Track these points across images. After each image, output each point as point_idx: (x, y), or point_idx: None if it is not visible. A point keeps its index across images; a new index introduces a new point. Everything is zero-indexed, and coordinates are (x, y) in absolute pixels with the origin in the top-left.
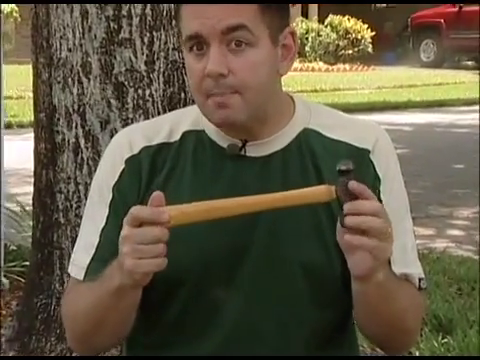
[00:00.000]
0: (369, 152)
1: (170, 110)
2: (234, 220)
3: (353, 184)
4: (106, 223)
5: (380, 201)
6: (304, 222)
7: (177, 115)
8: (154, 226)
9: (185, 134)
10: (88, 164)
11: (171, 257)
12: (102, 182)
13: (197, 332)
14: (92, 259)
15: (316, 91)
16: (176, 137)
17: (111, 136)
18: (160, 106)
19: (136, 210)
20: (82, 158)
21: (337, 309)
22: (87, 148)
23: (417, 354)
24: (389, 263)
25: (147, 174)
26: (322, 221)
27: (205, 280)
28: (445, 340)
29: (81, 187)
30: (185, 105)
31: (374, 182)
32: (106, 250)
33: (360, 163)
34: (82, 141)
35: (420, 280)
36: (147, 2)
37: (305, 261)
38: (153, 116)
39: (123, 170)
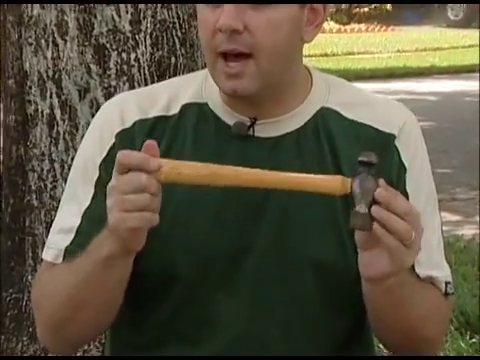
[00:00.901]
0: (394, 137)
1: (158, 77)
2: (237, 211)
3: (381, 192)
4: (90, 204)
5: (405, 194)
6: (317, 214)
7: (175, 84)
8: (140, 173)
9: (185, 107)
10: (64, 139)
11: (165, 250)
12: (87, 158)
13: (191, 335)
14: (71, 243)
15: (326, 55)
16: (175, 110)
17: (91, 107)
18: (147, 72)
19: (123, 154)
20: (58, 132)
21: (352, 315)
22: (63, 120)
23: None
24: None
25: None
26: (338, 213)
27: (202, 278)
28: (473, 340)
29: (57, 165)
30: (175, 71)
31: (398, 171)
32: (88, 234)
33: (383, 149)
34: (58, 112)
35: (447, 284)
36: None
37: (317, 258)
38: (139, 84)
39: (113, 145)
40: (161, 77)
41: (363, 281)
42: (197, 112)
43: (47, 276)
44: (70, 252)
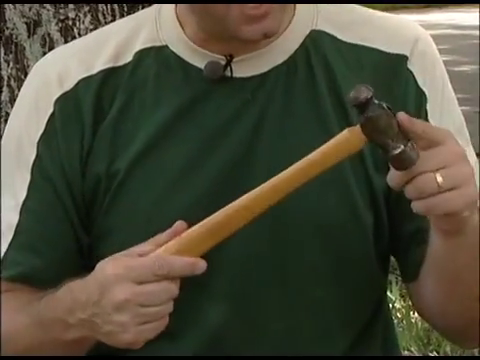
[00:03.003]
0: (406, 59)
1: (129, 9)
2: (220, 175)
3: (404, 118)
4: (28, 194)
5: None
6: None
7: (121, 28)
8: (167, 281)
9: (140, 53)
10: (10, 86)
11: (141, 233)
12: (21, 135)
13: (168, 328)
14: (10, 246)
15: None
16: (127, 58)
17: (43, 45)
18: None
19: (165, 262)
20: (0, 77)
21: (370, 295)
22: (8, 63)
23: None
24: None
25: (91, 117)
26: (344, 165)
27: None
28: None
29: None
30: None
31: (417, 100)
32: (31, 233)
33: (394, 75)
34: (1, 52)
35: None
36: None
37: (319, 221)
38: (104, 16)
39: (52, 115)
40: (132, 8)
41: (433, 238)
42: (156, 58)
43: None
44: (11, 260)
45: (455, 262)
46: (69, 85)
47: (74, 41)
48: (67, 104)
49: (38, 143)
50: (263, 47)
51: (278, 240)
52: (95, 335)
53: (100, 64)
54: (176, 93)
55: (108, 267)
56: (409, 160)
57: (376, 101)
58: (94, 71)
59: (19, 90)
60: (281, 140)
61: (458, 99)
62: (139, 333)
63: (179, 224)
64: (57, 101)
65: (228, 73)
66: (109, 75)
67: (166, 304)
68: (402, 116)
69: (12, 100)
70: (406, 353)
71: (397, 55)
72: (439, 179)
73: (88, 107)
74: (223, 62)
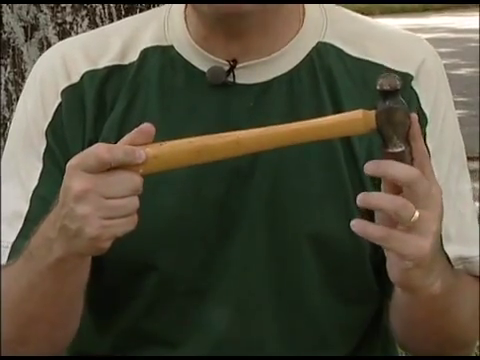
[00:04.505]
0: (411, 78)
1: (126, 11)
2: (219, 183)
3: (417, 128)
4: (39, 183)
5: (426, 149)
6: (316, 177)
7: (129, 25)
8: (129, 172)
9: (145, 52)
10: (7, 90)
11: (132, 237)
12: (29, 124)
13: (168, 337)
14: (19, 235)
15: None
16: (132, 57)
17: (40, 48)
18: (112, 5)
19: (102, 147)
20: None
21: (365, 303)
22: (5, 67)
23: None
24: (448, 259)
25: (93, 111)
26: (343, 175)
27: (178, 267)
28: None
29: None
30: (149, 6)
31: (419, 121)
32: (40, 221)
33: None
34: None
35: None
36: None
37: (317, 234)
38: (102, 21)
39: (59, 106)
40: (130, 12)
41: (396, 288)
42: (161, 58)
43: None
44: (18, 248)
45: (411, 313)
46: (75, 77)
47: (80, 35)
48: (73, 96)
49: (46, 132)
50: (268, 55)
51: (276, 250)
52: (71, 245)
53: (106, 60)
54: (178, 95)
55: (67, 164)
56: (404, 162)
57: (400, 96)
58: (99, 66)
59: (17, 94)
60: (282, 149)
61: (456, 102)
62: (103, 227)
63: (147, 125)
64: (64, 92)
65: (231, 79)
66: (114, 72)
67: (130, 197)
68: (414, 118)
69: (10, 104)
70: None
71: (403, 73)
72: (416, 214)
73: (90, 102)
74: (226, 68)
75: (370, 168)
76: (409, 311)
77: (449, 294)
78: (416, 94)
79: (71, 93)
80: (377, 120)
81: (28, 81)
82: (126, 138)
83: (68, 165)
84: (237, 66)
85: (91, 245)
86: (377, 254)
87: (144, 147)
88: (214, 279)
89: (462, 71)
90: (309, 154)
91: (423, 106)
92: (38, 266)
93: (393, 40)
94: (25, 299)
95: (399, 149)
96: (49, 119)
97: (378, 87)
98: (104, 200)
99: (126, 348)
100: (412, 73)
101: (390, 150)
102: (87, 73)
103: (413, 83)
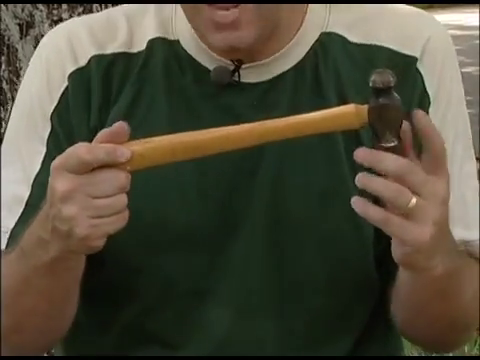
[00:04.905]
0: (416, 60)
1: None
2: (222, 181)
3: (420, 120)
4: (42, 168)
5: None
6: (318, 173)
7: (134, 10)
8: (115, 170)
9: (152, 43)
10: (2, 88)
11: (131, 235)
12: (34, 107)
13: (169, 338)
14: (19, 220)
15: None
16: (140, 46)
17: (36, 46)
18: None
19: (83, 148)
20: None
21: (370, 302)
22: (0, 65)
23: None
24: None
25: (98, 97)
26: (344, 169)
27: (180, 266)
28: None
29: None
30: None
31: (420, 102)
32: (41, 207)
33: (402, 75)
34: None
35: None
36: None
37: (322, 233)
38: None
39: (66, 89)
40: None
41: (400, 270)
42: (167, 51)
43: None
44: (16, 235)
45: (414, 296)
46: (83, 61)
47: (86, 16)
48: (80, 81)
49: (52, 116)
50: (273, 54)
51: (278, 250)
52: (65, 245)
53: (114, 46)
54: (184, 91)
55: (51, 165)
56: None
57: (394, 92)
58: (107, 51)
59: (12, 94)
60: (286, 147)
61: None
62: (93, 226)
63: (119, 126)
64: (71, 75)
65: (236, 78)
66: (121, 59)
67: (118, 195)
68: (419, 114)
69: (4, 103)
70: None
71: (407, 56)
72: (413, 201)
73: (96, 88)
74: (231, 67)
75: (360, 155)
76: (412, 294)
77: (453, 275)
78: (421, 75)
79: (79, 77)
80: (369, 116)
81: (33, 61)
82: (99, 137)
83: (52, 165)
84: (242, 66)
85: (83, 244)
86: (380, 244)
87: (130, 144)
88: (215, 279)
89: (468, 69)
90: (312, 150)
91: (427, 87)
92: (33, 263)
93: (398, 20)
94: (21, 293)
95: (391, 143)
96: (55, 103)
97: (371, 84)
98: (90, 199)
99: (127, 348)
100: (417, 55)
101: (383, 144)
102: (94, 57)
103: (418, 64)
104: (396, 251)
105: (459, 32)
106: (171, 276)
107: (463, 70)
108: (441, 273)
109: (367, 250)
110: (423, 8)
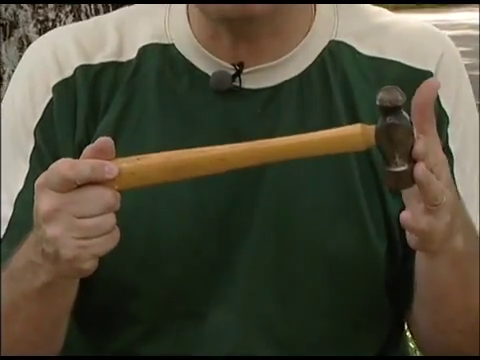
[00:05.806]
0: (430, 75)
1: (116, 8)
2: (222, 199)
3: (419, 147)
4: (25, 185)
5: (448, 153)
6: (326, 190)
7: (126, 17)
8: (101, 187)
9: (144, 50)
10: None
11: (125, 257)
12: (16, 122)
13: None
14: (3, 241)
15: None
16: (130, 54)
17: (20, 48)
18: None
19: (65, 164)
20: None
21: (380, 328)
22: None
23: None
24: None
25: (85, 110)
26: (355, 187)
27: (179, 291)
28: None
29: None
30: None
31: (438, 121)
32: (25, 225)
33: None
34: None
35: None
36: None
37: (329, 253)
38: (88, 16)
39: (50, 102)
40: (117, 8)
41: (418, 256)
42: (161, 57)
43: None
44: (3, 255)
45: (437, 281)
46: (68, 71)
47: (72, 24)
48: (65, 92)
49: (35, 131)
50: (278, 58)
51: (284, 270)
52: (56, 270)
53: (102, 56)
54: (180, 101)
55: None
56: (406, 182)
57: (403, 111)
58: (94, 61)
59: None
60: (291, 160)
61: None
62: (80, 248)
63: (103, 141)
64: (55, 87)
65: (237, 83)
66: (110, 69)
67: (105, 215)
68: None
69: None
70: None
71: (421, 71)
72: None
73: (83, 100)
74: (232, 72)
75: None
76: (433, 285)
77: (473, 260)
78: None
79: (63, 89)
80: (377, 137)
81: (16, 74)
82: (85, 154)
83: (36, 183)
84: (244, 70)
85: (72, 267)
86: (395, 267)
87: (119, 161)
88: (216, 300)
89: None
90: (320, 165)
91: (443, 104)
92: (23, 288)
93: (409, 35)
94: (8, 320)
95: (401, 168)
96: (38, 117)
97: (378, 102)
98: (75, 220)
99: None
100: (432, 70)
101: (392, 169)
102: (80, 67)
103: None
104: (411, 236)
105: (475, 32)
106: (168, 298)
107: (473, 73)
108: (460, 253)
109: (378, 271)
110: (435, 7)
